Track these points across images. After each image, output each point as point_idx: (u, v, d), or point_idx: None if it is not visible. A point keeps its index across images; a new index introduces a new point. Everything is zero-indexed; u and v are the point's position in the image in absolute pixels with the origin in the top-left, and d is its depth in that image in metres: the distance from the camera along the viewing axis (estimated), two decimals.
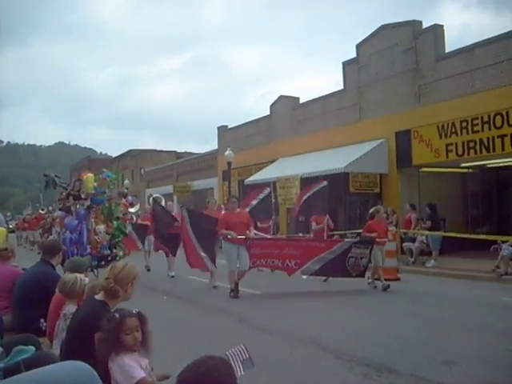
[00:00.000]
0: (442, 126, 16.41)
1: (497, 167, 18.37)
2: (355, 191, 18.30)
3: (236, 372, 2.07)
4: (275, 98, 25.50)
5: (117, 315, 3.17)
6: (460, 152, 16.01)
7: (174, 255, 13.82)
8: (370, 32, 19.63)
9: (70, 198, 13.17)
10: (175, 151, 49.68)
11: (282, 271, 11.35)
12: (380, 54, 18.92)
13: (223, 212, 12.22)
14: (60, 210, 15.43)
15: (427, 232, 15.15)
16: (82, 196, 12.84)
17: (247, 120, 27.86)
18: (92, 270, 11.42)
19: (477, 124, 15.46)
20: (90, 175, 13.12)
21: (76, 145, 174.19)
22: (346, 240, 11.85)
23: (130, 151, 49.58)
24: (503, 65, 14.82)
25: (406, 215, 16.39)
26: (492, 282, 12.10)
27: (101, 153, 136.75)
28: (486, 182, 19.53)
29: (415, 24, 17.83)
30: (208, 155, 33.24)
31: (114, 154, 59.85)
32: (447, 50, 16.95)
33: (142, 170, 44.38)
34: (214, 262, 11.58)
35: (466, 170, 18.82)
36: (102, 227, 12.76)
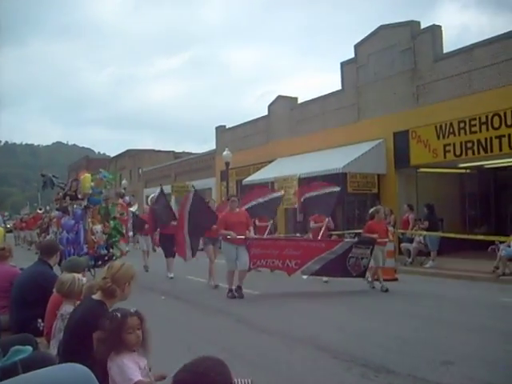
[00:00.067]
0: (440, 126, 16.42)
1: (494, 168, 18.39)
2: (353, 191, 18.30)
3: None
4: (273, 98, 25.55)
5: (118, 314, 3.15)
6: (458, 152, 16.02)
7: (174, 256, 13.82)
8: (368, 32, 19.66)
9: (67, 198, 13.18)
10: (173, 151, 49.74)
11: (282, 271, 11.33)
12: (378, 54, 18.94)
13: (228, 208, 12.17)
14: (57, 210, 15.43)
15: (425, 232, 15.15)
16: (79, 196, 12.83)
17: (246, 120, 27.89)
18: (89, 270, 11.41)
19: (475, 124, 15.47)
20: (87, 175, 13.11)
21: (74, 144, 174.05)
22: (347, 240, 11.82)
23: (128, 151, 49.60)
24: (501, 65, 14.83)
25: (404, 216, 16.40)
26: (490, 282, 12.10)
27: (99, 153, 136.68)
28: (484, 183, 19.55)
29: (413, 24, 17.85)
30: (206, 155, 33.25)
31: (112, 154, 59.93)
32: (446, 50, 16.97)
33: (140, 170, 44.38)
34: (194, 252, 11.56)
35: (463, 171, 18.83)
36: (98, 227, 12.76)
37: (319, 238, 12.32)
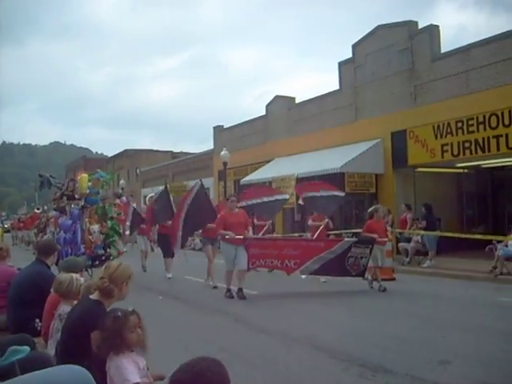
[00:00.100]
0: (438, 126, 16.44)
1: (492, 167, 18.44)
2: (351, 191, 18.28)
3: None
4: (271, 97, 25.55)
5: (120, 313, 3.16)
6: (455, 152, 16.04)
7: (172, 257, 13.84)
8: (366, 32, 19.67)
9: (64, 198, 13.19)
10: (171, 151, 49.71)
11: (281, 271, 11.31)
12: (376, 54, 18.95)
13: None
14: (54, 210, 15.42)
15: (422, 232, 15.17)
16: (76, 196, 12.84)
17: (243, 120, 27.88)
18: (86, 270, 11.41)
19: (472, 124, 15.49)
20: (85, 175, 13.13)
21: (72, 144, 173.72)
22: (346, 239, 11.78)
23: (126, 151, 49.56)
24: (499, 65, 14.85)
25: (402, 215, 16.41)
26: (488, 282, 12.11)
27: (96, 152, 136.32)
28: (481, 183, 19.59)
29: (411, 24, 17.87)
30: (204, 155, 33.24)
31: (110, 154, 59.82)
32: (444, 50, 16.98)
33: (138, 170, 44.35)
34: (183, 241, 11.73)
35: (461, 171, 18.86)
36: (95, 227, 12.76)
37: (315, 236, 12.31)
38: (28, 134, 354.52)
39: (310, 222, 13.44)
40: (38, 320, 4.96)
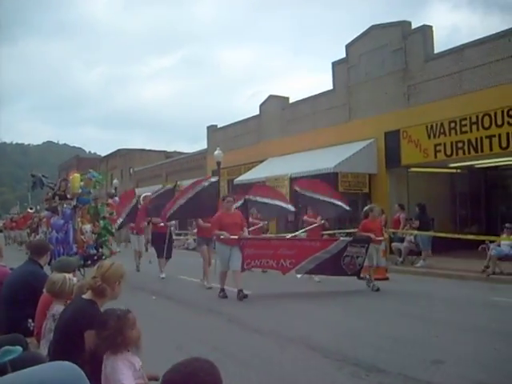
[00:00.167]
0: (431, 126, 16.49)
1: (485, 168, 18.53)
2: (344, 191, 18.30)
3: None
4: (265, 97, 25.55)
5: (120, 312, 3.17)
6: (448, 152, 16.10)
7: (167, 257, 13.85)
8: (359, 32, 19.72)
9: (56, 197, 13.15)
10: (165, 151, 49.62)
11: (277, 271, 11.28)
12: (369, 54, 18.99)
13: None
14: (46, 209, 15.34)
15: (415, 232, 15.21)
16: (68, 196, 12.81)
17: (237, 120, 27.88)
18: (79, 270, 11.37)
19: (465, 124, 15.56)
20: (77, 175, 13.12)
21: (65, 144, 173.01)
22: (342, 239, 11.74)
23: (119, 150, 49.42)
24: (492, 66, 14.91)
25: (395, 215, 16.44)
26: (481, 281, 12.16)
27: (90, 152, 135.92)
28: (475, 183, 19.67)
29: (404, 24, 17.92)
30: (197, 155, 33.22)
31: (103, 154, 59.60)
32: (437, 50, 17.06)
33: (131, 170, 44.25)
34: (171, 217, 12.28)
35: (454, 171, 18.94)
36: (88, 227, 12.75)
37: (309, 228, 12.40)
38: (21, 134, 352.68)
39: (305, 218, 13.45)
40: (30, 320, 4.93)
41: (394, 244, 16.17)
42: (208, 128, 30.58)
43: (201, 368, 1.87)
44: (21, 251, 23.76)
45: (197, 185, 11.89)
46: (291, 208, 14.26)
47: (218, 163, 24.18)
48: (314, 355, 6.19)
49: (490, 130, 14.88)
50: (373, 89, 18.75)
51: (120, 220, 14.39)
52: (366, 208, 12.12)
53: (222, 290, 10.59)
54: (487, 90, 14.92)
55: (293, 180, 18.66)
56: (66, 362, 1.85)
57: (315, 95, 21.96)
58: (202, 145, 31.95)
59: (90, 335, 3.35)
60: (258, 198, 13.92)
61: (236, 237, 10.43)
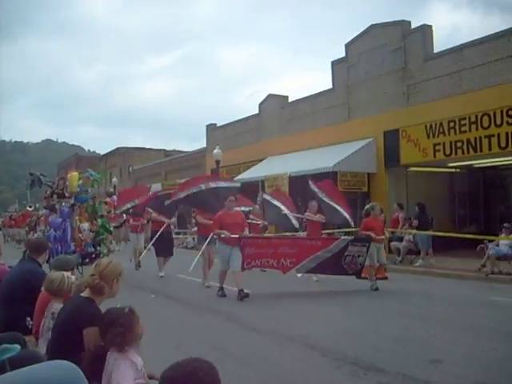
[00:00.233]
0: (430, 125, 16.50)
1: (484, 167, 18.54)
2: (343, 190, 18.28)
3: None
4: (264, 96, 25.54)
5: (128, 309, 3.20)
6: (447, 152, 16.10)
7: (166, 256, 13.85)
8: (359, 31, 19.70)
9: (55, 196, 13.16)
10: (164, 149, 49.53)
11: (277, 270, 11.21)
12: (369, 53, 18.98)
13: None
14: (45, 208, 15.34)
15: (414, 231, 15.21)
16: (66, 194, 12.81)
17: (236, 118, 27.87)
18: (77, 268, 11.37)
19: (464, 124, 15.56)
20: (75, 174, 13.11)
21: (64, 142, 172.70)
22: (343, 238, 11.69)
23: (118, 149, 49.34)
24: (491, 65, 14.91)
25: (394, 214, 16.45)
26: (479, 281, 12.17)
27: (89, 150, 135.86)
28: (473, 182, 19.68)
29: (404, 24, 17.91)
30: (197, 153, 33.19)
31: (103, 152, 59.49)
32: (437, 50, 17.05)
33: (131, 168, 44.22)
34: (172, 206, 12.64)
35: (453, 170, 18.95)
36: (85, 225, 12.74)
37: (311, 219, 12.45)
38: (20, 132, 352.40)
39: (307, 213, 13.37)
40: (29, 318, 4.93)
41: (392, 243, 16.17)
42: (207, 127, 30.56)
43: (200, 368, 1.88)
44: (19, 249, 23.79)
45: (220, 180, 11.88)
46: (295, 222, 14.33)
47: (217, 162, 24.18)
48: (313, 354, 6.19)
49: (489, 129, 14.88)
50: (372, 88, 18.75)
51: (131, 204, 14.45)
52: (367, 206, 12.05)
53: (221, 288, 10.58)
54: (486, 90, 14.92)
55: (292, 179, 18.67)
56: (65, 362, 1.85)
57: (314, 94, 21.95)
58: (201, 143, 31.87)
59: (89, 333, 3.35)
60: (276, 201, 13.90)
61: (237, 236, 10.41)
